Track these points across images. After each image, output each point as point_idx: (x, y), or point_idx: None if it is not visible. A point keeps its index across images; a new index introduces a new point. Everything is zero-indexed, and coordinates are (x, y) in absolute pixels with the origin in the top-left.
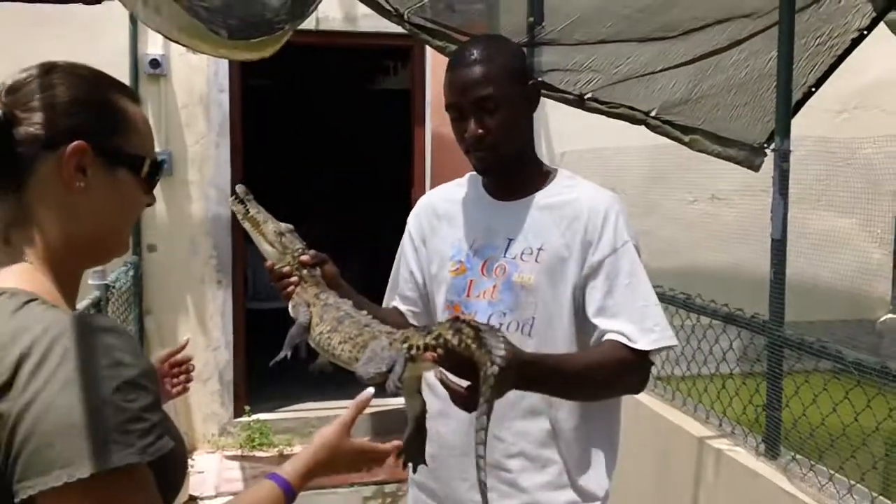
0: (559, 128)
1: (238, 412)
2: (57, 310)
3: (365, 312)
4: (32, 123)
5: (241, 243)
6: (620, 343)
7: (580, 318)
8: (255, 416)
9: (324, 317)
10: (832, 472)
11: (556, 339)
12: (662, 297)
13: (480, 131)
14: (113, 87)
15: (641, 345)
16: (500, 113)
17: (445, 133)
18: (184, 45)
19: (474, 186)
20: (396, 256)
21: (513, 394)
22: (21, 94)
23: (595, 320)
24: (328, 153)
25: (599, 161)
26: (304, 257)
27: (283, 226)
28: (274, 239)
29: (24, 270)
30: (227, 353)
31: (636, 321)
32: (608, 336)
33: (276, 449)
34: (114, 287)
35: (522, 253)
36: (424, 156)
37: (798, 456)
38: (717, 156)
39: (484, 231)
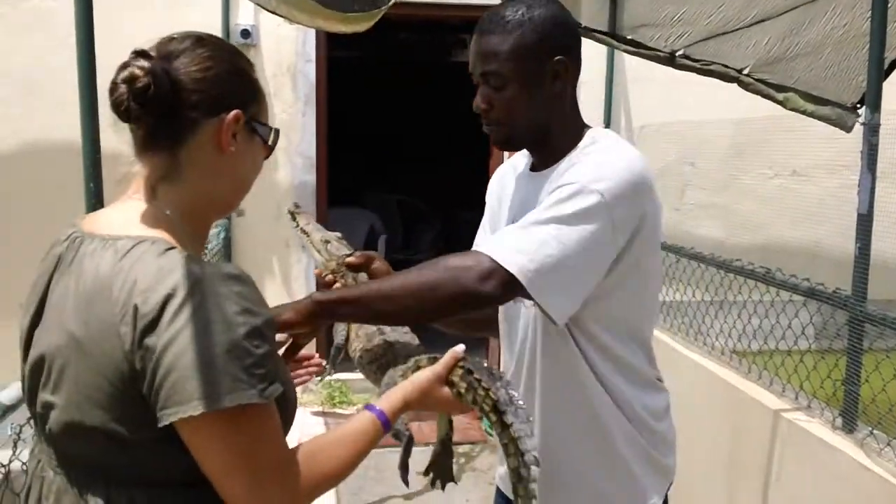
0: (639, 101)
1: (319, 372)
2: (195, 258)
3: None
4: (197, 91)
5: (324, 210)
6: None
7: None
8: (335, 376)
9: (359, 332)
10: None
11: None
12: (741, 272)
13: (483, 106)
14: (247, 60)
15: (497, 256)
16: (507, 90)
17: None
18: (281, 16)
19: (526, 159)
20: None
21: None
22: (181, 62)
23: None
24: (408, 123)
25: (678, 135)
26: (350, 259)
27: (331, 234)
28: (320, 247)
29: (163, 221)
30: None
31: (503, 240)
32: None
33: (355, 407)
34: (206, 248)
35: None
36: None
37: (875, 431)
38: (811, 115)
39: (519, 205)
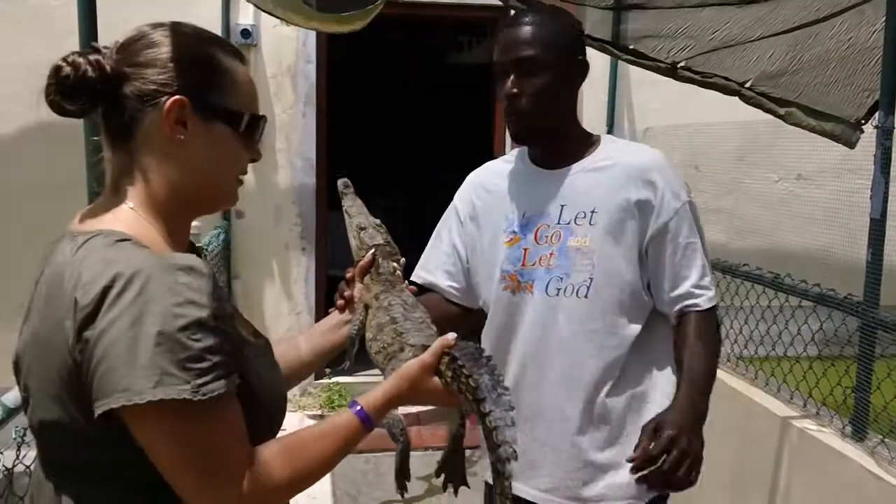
0: (642, 103)
1: (319, 374)
2: (146, 250)
3: (418, 316)
4: (138, 79)
5: (325, 212)
6: (694, 313)
7: (641, 276)
8: (334, 379)
9: (372, 322)
10: None
11: (612, 299)
12: (749, 277)
13: (514, 90)
14: (216, 45)
15: (704, 304)
16: (538, 77)
17: None
18: (277, 17)
19: (521, 159)
20: (434, 234)
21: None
22: (129, 51)
23: (666, 283)
24: (408, 126)
25: (683, 138)
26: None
27: (369, 220)
28: (354, 233)
29: (124, 214)
30: (310, 317)
31: (697, 278)
32: (682, 306)
33: None
34: (206, 250)
35: (576, 217)
36: (505, 129)
37: (887, 439)
38: (813, 130)
39: (534, 200)
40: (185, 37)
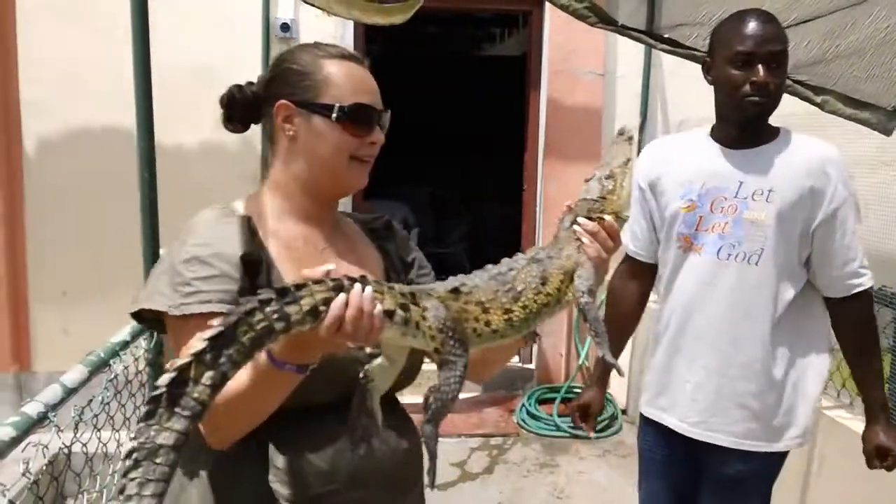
0: (676, 95)
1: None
2: (224, 210)
3: (514, 274)
4: (266, 95)
5: (358, 201)
6: (856, 294)
7: (804, 252)
8: None
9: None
10: None
11: (778, 268)
12: None
13: (769, 80)
14: (316, 53)
15: (867, 284)
16: (782, 69)
17: (559, 98)
18: (319, 7)
19: (700, 137)
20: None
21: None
22: (266, 76)
23: (836, 259)
24: (439, 119)
25: None
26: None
27: (602, 171)
28: (583, 184)
29: (255, 193)
30: None
31: (860, 260)
32: (849, 283)
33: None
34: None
35: (753, 194)
36: (538, 120)
37: None
38: (849, 118)
39: (713, 174)
40: (292, 54)
